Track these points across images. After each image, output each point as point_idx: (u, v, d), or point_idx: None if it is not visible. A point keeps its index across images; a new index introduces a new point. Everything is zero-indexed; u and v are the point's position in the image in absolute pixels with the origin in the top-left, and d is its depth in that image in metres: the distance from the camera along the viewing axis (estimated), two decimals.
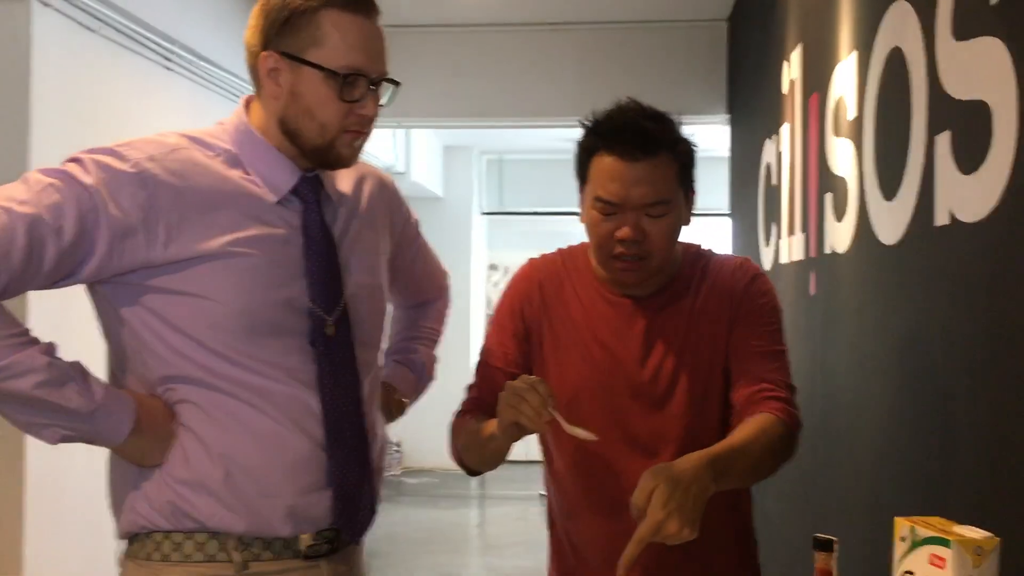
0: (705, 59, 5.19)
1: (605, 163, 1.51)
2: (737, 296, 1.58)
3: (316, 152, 1.40)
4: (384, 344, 1.63)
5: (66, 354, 1.31)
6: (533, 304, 1.64)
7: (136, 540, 1.39)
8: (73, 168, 1.31)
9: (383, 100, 1.43)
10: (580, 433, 1.40)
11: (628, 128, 1.50)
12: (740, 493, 1.63)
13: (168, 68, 3.70)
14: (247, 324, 1.35)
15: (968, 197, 1.55)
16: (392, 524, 6.40)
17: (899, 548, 1.13)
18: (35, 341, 1.29)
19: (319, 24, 1.35)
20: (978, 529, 1.09)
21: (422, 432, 8.44)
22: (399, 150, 6.92)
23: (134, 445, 1.34)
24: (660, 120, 1.53)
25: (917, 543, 1.11)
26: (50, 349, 1.29)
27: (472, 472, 1.64)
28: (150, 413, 1.35)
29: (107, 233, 1.29)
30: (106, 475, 1.44)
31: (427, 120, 5.96)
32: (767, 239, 3.73)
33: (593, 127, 1.55)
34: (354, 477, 1.43)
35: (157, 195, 1.32)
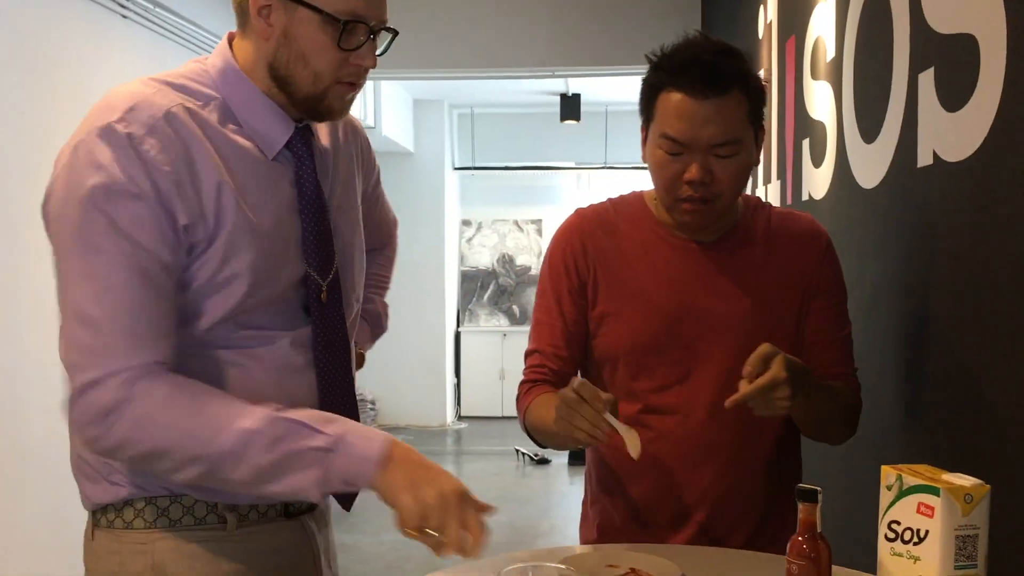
0: (679, 7, 5.11)
1: (673, 100, 1.44)
2: (815, 260, 1.57)
3: (307, 101, 1.29)
4: None
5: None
6: (588, 254, 1.58)
7: (109, 511, 1.29)
8: (120, 165, 1.17)
9: (379, 50, 1.32)
10: (629, 441, 1.32)
11: (698, 63, 1.43)
12: (795, 463, 1.64)
13: (124, 16, 3.57)
14: (252, 304, 1.26)
15: (953, 136, 1.49)
16: None
17: (885, 497, 1.09)
18: (253, 408, 1.20)
19: None
20: (967, 476, 1.05)
21: (397, 390, 8.45)
22: (368, 104, 6.79)
23: (394, 480, 1.18)
24: (730, 55, 1.46)
25: (904, 491, 1.07)
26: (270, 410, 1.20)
27: (542, 446, 1.60)
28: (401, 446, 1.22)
29: (184, 218, 1.20)
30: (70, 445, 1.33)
31: (397, 72, 5.83)
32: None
33: (660, 62, 1.47)
34: None
35: (191, 167, 1.20)
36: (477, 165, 9.05)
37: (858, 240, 2.05)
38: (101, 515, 1.31)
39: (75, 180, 1.17)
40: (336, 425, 1.20)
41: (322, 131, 1.41)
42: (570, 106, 7.53)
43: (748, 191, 3.56)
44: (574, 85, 7.31)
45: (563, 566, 1.13)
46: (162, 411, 1.17)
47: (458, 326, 9.22)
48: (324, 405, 1.32)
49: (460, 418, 9.11)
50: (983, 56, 1.38)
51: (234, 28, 1.31)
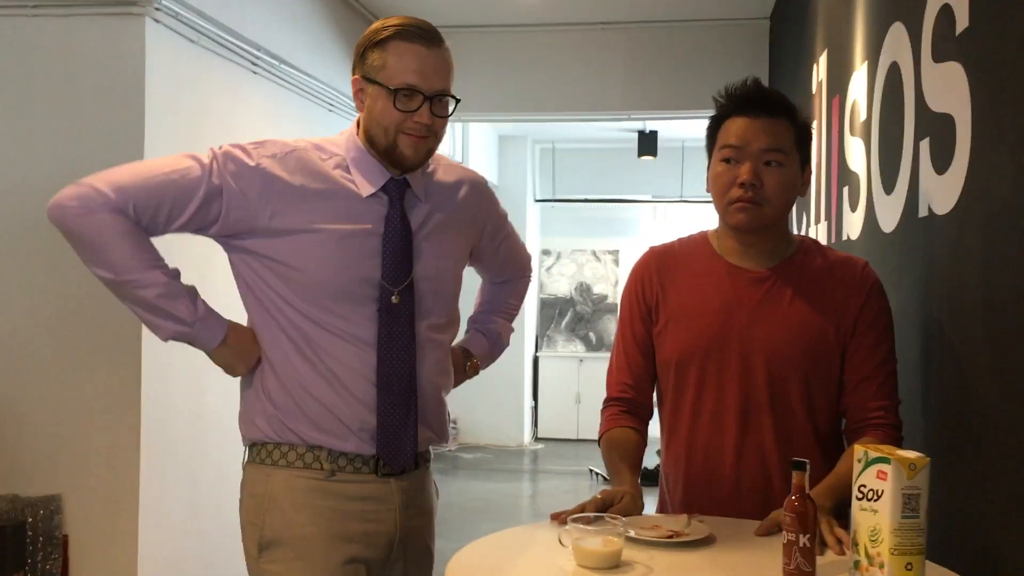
0: (748, 56, 5.40)
1: (733, 122, 1.77)
2: (861, 296, 1.76)
3: (386, 152, 1.75)
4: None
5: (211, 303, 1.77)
6: (653, 284, 1.86)
7: (253, 448, 1.80)
8: (211, 155, 1.75)
9: (449, 110, 1.77)
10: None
11: (754, 93, 1.78)
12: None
13: (255, 72, 4.09)
14: (325, 291, 1.72)
15: (940, 193, 1.84)
16: (449, 494, 6.77)
17: (856, 468, 1.44)
18: (164, 266, 1.71)
19: (385, 52, 1.72)
20: (914, 452, 1.40)
21: (478, 410, 8.83)
22: (456, 140, 7.25)
23: (222, 354, 1.76)
24: (780, 94, 1.82)
25: (869, 463, 1.42)
26: (173, 273, 1.72)
27: None
28: (238, 334, 1.78)
29: (227, 202, 1.72)
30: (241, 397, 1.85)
31: (484, 115, 6.27)
32: (798, 226, 4.01)
33: (725, 100, 1.81)
34: (397, 420, 1.77)
35: (271, 185, 1.72)
36: (557, 197, 9.43)
37: (884, 277, 2.40)
38: (248, 448, 1.82)
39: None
40: (202, 306, 1.74)
41: (444, 185, 1.87)
42: (647, 142, 7.87)
43: (803, 231, 3.90)
44: (651, 122, 7.67)
45: (618, 516, 1.52)
46: (113, 233, 1.66)
47: (536, 351, 9.58)
48: (381, 388, 1.75)
49: (537, 439, 9.44)
50: (958, 132, 1.74)
51: (339, 77, 1.84)
